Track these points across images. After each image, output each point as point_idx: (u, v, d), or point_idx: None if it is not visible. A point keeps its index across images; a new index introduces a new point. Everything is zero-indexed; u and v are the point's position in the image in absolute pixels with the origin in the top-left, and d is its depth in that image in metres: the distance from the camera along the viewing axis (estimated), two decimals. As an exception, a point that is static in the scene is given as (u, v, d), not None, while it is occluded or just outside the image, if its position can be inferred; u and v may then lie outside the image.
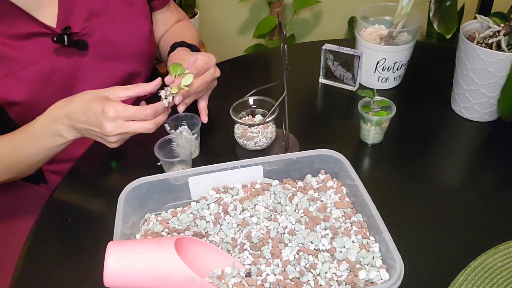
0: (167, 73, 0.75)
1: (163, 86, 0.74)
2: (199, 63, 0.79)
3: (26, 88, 0.78)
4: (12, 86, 0.76)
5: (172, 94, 0.72)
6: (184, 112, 0.80)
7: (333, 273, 0.58)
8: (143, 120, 0.71)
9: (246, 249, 0.61)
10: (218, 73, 0.84)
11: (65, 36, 0.78)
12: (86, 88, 0.85)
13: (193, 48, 0.90)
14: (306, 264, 0.59)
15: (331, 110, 0.95)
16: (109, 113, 0.68)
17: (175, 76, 0.73)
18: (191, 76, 0.74)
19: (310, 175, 0.71)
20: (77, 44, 0.80)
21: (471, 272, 0.60)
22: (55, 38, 0.77)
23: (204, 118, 0.82)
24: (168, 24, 1.03)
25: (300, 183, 0.71)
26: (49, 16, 0.78)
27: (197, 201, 0.69)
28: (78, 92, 0.84)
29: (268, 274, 0.57)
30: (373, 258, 0.59)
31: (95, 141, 0.87)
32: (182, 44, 0.90)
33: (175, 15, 1.04)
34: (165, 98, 0.72)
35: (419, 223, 0.69)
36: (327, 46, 0.96)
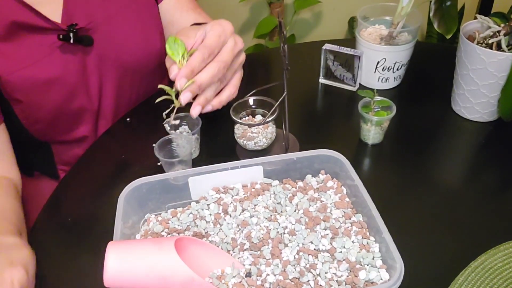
0: None
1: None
2: (209, 39, 0.59)
3: (28, 87, 0.76)
4: (14, 84, 0.75)
5: (176, 105, 0.56)
6: (184, 112, 0.80)
7: (333, 273, 0.58)
8: None
9: (246, 249, 0.61)
10: (240, 43, 0.65)
11: (71, 34, 0.75)
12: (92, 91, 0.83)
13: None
14: (306, 264, 0.59)
15: (331, 110, 0.95)
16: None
17: (178, 61, 0.55)
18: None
19: (310, 175, 0.71)
20: (82, 41, 0.77)
21: (471, 272, 0.60)
22: (61, 36, 0.74)
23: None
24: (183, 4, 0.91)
25: (300, 183, 0.71)
26: (53, 11, 0.76)
27: (197, 201, 0.69)
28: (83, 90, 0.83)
29: (268, 274, 0.57)
30: (373, 258, 0.59)
31: (95, 142, 0.87)
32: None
33: None
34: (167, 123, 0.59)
35: (419, 223, 0.69)
36: (327, 46, 0.96)
